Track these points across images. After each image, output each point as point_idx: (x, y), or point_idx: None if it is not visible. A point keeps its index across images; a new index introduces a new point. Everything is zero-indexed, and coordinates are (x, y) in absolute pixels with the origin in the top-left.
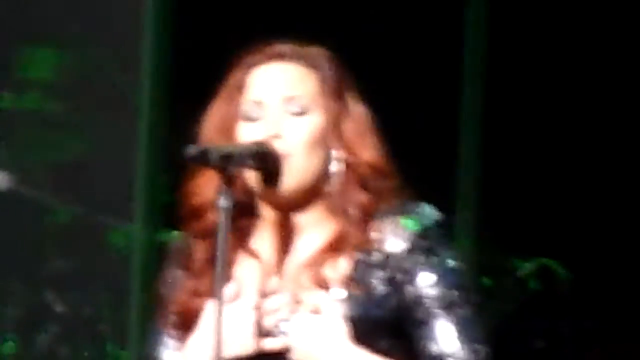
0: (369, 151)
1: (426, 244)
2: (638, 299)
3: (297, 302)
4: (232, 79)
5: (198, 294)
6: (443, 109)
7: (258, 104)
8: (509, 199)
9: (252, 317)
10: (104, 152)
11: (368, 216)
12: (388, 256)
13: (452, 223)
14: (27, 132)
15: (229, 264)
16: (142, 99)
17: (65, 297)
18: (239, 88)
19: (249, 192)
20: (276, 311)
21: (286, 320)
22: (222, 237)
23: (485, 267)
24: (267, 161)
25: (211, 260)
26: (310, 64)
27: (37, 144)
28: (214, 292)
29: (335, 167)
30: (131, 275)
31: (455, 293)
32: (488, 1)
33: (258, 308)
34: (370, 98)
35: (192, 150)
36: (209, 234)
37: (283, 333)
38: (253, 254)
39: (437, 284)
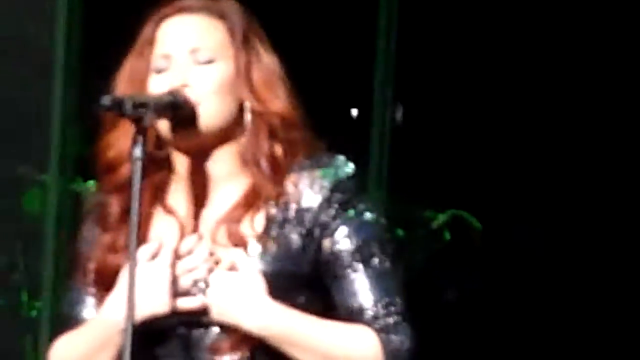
0: (278, 101)
1: (342, 197)
2: (550, 251)
3: (214, 259)
4: (143, 34)
5: (114, 250)
6: (356, 61)
7: (166, 57)
8: (422, 150)
9: (168, 276)
10: (19, 103)
11: (280, 168)
12: (304, 210)
13: (365, 175)
14: None
15: (145, 220)
16: (56, 53)
17: None
18: (150, 42)
19: (163, 145)
20: (193, 269)
21: (203, 278)
22: (137, 187)
23: (398, 219)
24: (180, 108)
25: (126, 214)
26: (218, 14)
27: None
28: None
29: (246, 116)
30: (45, 225)
31: (372, 245)
32: None
33: (174, 266)
34: (282, 49)
35: (106, 100)
36: (124, 188)
37: (200, 291)
38: (169, 210)
39: (354, 236)
